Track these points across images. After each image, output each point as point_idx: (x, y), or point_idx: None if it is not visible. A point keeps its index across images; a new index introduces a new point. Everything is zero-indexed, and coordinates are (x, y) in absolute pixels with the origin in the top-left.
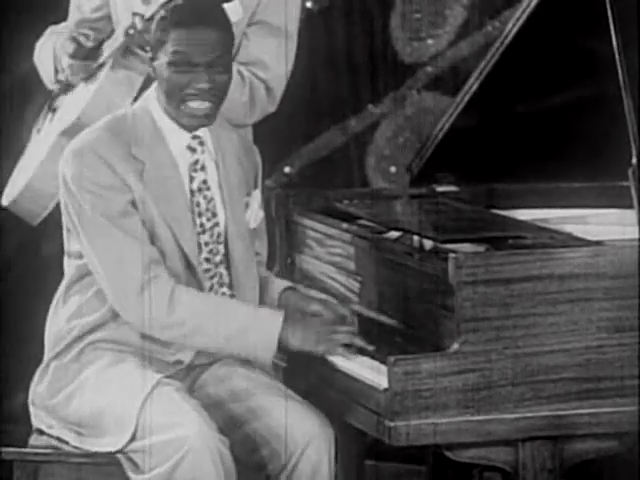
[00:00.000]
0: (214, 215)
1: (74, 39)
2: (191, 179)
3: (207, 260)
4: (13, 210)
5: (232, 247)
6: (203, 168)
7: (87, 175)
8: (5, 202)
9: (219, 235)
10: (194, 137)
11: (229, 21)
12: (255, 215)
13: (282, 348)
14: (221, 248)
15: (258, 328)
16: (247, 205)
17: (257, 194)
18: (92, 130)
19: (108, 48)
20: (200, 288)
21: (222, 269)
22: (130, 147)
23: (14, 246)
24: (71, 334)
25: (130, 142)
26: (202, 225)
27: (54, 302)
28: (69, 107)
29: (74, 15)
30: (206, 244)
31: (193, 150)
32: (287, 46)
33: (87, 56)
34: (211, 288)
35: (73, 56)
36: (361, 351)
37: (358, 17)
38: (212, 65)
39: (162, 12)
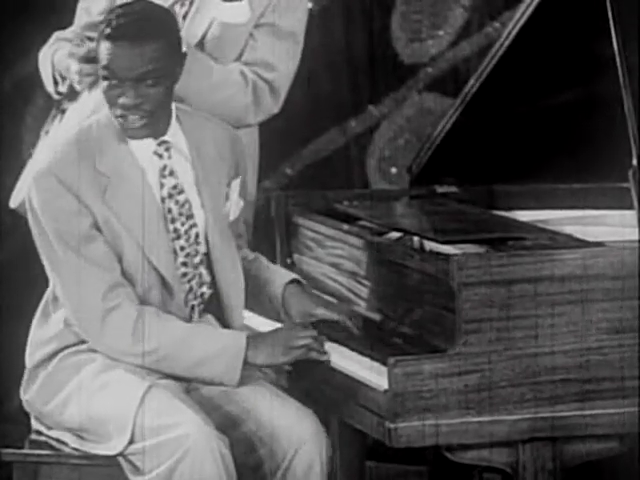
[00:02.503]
0: (189, 217)
1: (83, 43)
2: (161, 185)
3: (184, 264)
4: (21, 212)
5: (212, 245)
6: (172, 173)
7: (48, 200)
8: (13, 204)
9: (197, 236)
10: (160, 143)
11: (169, 30)
12: (235, 206)
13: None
14: (200, 248)
15: (223, 355)
16: (227, 197)
17: (236, 183)
18: (54, 151)
19: None
20: (176, 299)
21: (202, 269)
22: (94, 161)
23: (13, 248)
24: (53, 345)
25: (94, 156)
26: (176, 230)
27: (40, 308)
28: (75, 111)
29: (82, 18)
30: (182, 248)
31: (160, 156)
32: (293, 48)
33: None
34: (190, 290)
35: (82, 60)
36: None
37: (358, 17)
38: (141, 80)
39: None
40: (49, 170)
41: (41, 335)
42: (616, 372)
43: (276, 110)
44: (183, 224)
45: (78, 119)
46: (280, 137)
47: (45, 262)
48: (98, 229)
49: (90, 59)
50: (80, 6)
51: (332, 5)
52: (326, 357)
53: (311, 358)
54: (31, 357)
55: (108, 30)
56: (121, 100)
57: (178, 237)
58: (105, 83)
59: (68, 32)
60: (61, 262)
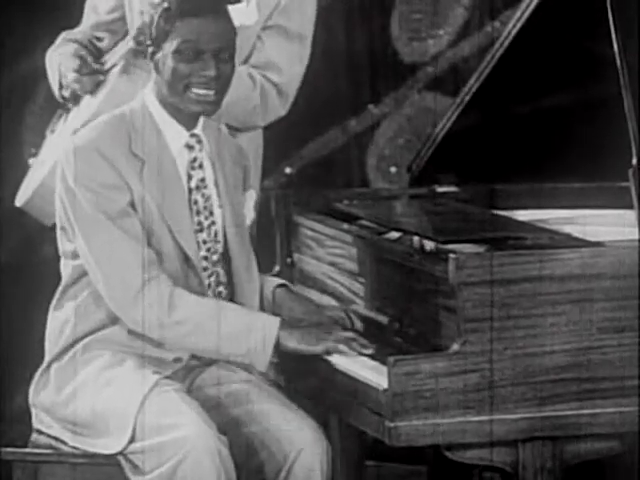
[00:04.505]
0: (211, 213)
1: (79, 56)
2: (189, 177)
3: (205, 258)
4: (27, 210)
5: (231, 246)
6: (201, 166)
7: (88, 173)
8: (19, 202)
9: (216, 234)
10: (192, 135)
11: (230, 15)
12: (248, 215)
13: (279, 351)
14: (219, 247)
15: (255, 331)
16: (242, 205)
17: (251, 194)
18: (93, 127)
19: (118, 51)
20: (201, 285)
21: (219, 268)
22: (130, 144)
23: (13, 247)
24: (67, 336)
25: (130, 139)
26: (200, 223)
27: (53, 304)
28: (81, 110)
29: (90, 17)
30: (204, 242)
31: (191, 148)
32: (302, 51)
33: (93, 70)
34: (209, 286)
35: (78, 71)
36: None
37: (358, 17)
38: (219, 53)
39: (165, 4)
40: (89, 145)
41: (53, 328)
42: (616, 371)
43: (283, 112)
44: (207, 218)
45: (80, 122)
46: (280, 136)
47: (80, 238)
48: (134, 208)
49: (88, 71)
50: (88, 5)
51: (332, 4)
52: (367, 350)
53: (341, 352)
54: (49, 352)
55: (184, 7)
56: (200, 73)
57: (201, 230)
58: (177, 58)
59: (76, 32)
60: (99, 235)
